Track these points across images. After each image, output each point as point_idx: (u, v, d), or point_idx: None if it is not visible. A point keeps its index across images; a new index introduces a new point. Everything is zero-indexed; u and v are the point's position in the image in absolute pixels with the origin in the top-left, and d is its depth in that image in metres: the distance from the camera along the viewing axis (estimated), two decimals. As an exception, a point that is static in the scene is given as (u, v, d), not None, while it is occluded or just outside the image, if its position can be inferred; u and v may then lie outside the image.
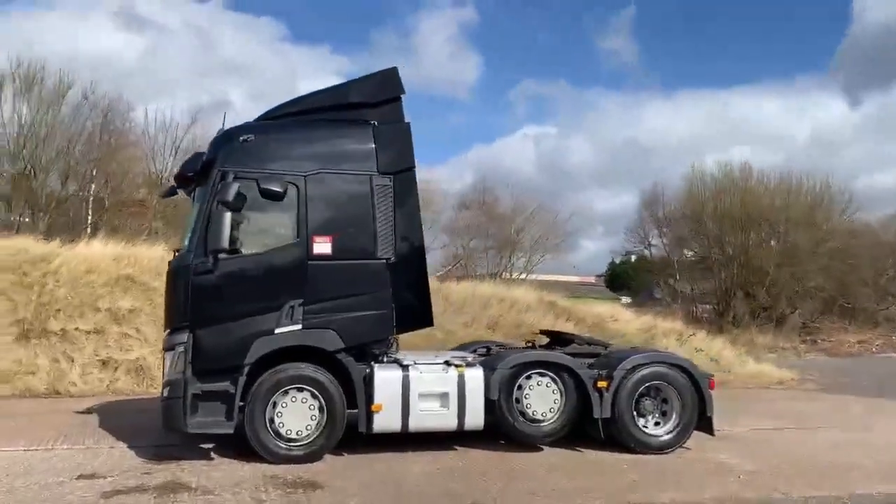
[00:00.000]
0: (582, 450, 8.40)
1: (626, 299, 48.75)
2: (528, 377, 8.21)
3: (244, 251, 7.53)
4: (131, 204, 22.05)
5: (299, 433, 7.50)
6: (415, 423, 7.81)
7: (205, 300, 7.41)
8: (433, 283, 21.00)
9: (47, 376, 13.19)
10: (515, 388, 8.16)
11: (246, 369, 7.38)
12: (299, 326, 7.54)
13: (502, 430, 8.26)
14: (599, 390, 8.22)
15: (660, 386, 8.50)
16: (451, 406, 7.89)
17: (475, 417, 7.97)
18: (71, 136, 24.05)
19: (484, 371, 8.09)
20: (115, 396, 12.68)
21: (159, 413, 7.66)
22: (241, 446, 7.62)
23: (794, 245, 34.65)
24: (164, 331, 8.01)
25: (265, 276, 7.56)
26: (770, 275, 33.52)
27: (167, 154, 25.60)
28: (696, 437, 8.67)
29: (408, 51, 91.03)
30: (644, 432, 8.37)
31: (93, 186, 24.30)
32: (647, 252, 44.11)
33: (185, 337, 7.39)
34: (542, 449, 8.36)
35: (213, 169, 7.57)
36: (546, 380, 8.23)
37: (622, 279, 56.21)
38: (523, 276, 35.28)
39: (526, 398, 8.16)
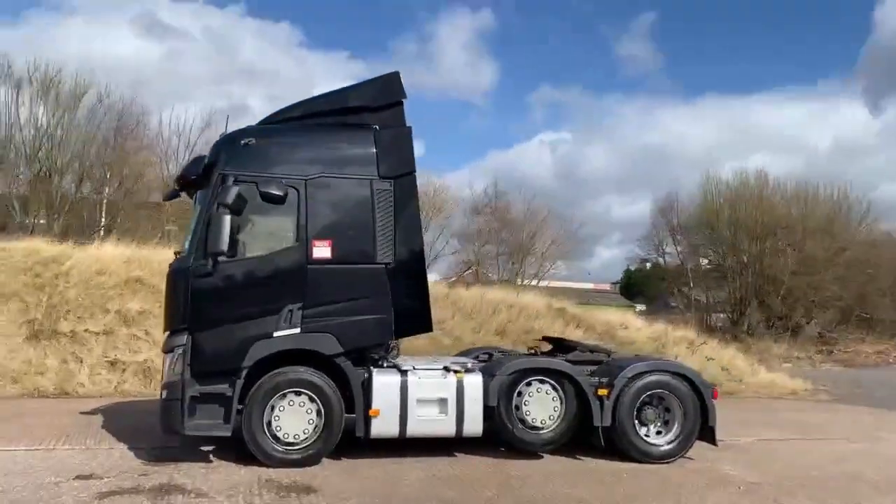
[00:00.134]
0: (582, 458, 8.32)
1: (640, 307, 48.50)
2: (528, 384, 8.16)
3: (244, 254, 7.56)
4: (144, 206, 22.27)
5: (296, 437, 7.50)
6: (413, 429, 7.77)
7: (204, 303, 7.43)
8: (442, 288, 21.18)
9: (56, 377, 13.29)
10: (515, 394, 8.11)
11: (244, 372, 7.38)
12: (298, 330, 7.54)
13: (502, 437, 8.21)
14: (600, 398, 8.15)
15: (662, 395, 8.41)
16: (449, 412, 7.85)
17: (474, 424, 7.92)
18: (86, 139, 24.34)
19: (483, 377, 8.05)
20: (122, 398, 12.76)
21: (157, 414, 7.67)
22: (241, 449, 7.61)
23: (810, 254, 34.27)
24: (164, 333, 8.03)
25: (264, 280, 7.57)
26: (785, 284, 33.17)
27: (181, 157, 25.84)
28: (700, 447, 8.57)
29: (425, 56, 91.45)
30: (645, 441, 8.28)
31: (107, 189, 24.57)
32: (660, 260, 43.83)
33: (183, 339, 7.41)
34: (542, 457, 8.29)
35: (214, 172, 7.60)
36: (546, 387, 8.17)
37: (637, 287, 55.89)
38: (536, 282, 35.14)
39: (525, 405, 8.11)
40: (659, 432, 8.41)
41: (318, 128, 8.11)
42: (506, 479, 7.38)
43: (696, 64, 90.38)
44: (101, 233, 21.88)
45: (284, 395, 7.53)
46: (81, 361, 13.72)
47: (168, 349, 7.64)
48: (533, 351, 9.55)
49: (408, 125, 8.19)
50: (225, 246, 7.20)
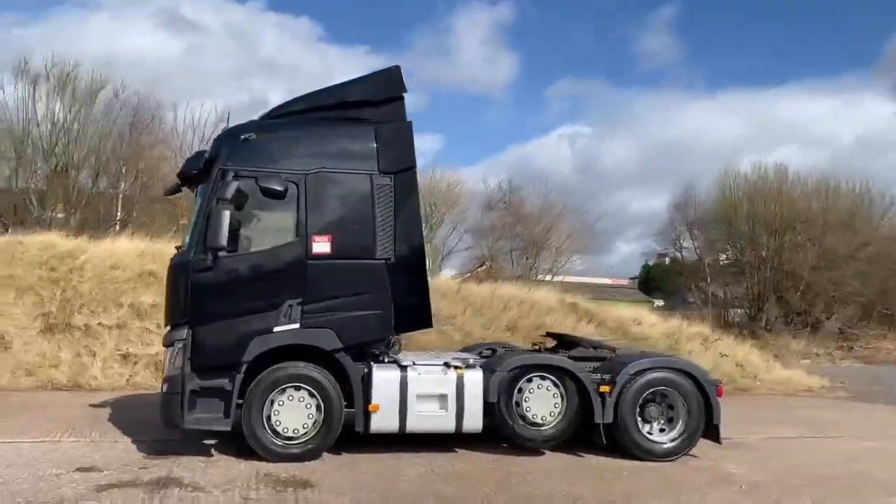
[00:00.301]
0: (584, 455, 8.26)
1: (659, 302, 48.11)
2: (529, 380, 8.11)
3: (243, 249, 7.57)
4: (160, 201, 22.43)
5: (296, 431, 7.51)
6: (412, 425, 7.75)
7: (204, 297, 7.46)
8: (453, 284, 21.12)
9: (69, 370, 13.48)
10: (515, 391, 8.06)
11: (244, 367, 7.40)
12: (297, 325, 7.54)
13: (502, 433, 8.17)
14: (602, 395, 8.08)
15: (665, 392, 8.31)
16: (449, 408, 7.82)
17: (473, 420, 7.88)
18: (102, 134, 24.60)
19: (483, 373, 8.01)
20: (133, 390, 12.89)
21: (158, 408, 7.73)
22: (242, 444, 7.64)
23: (831, 248, 33.77)
24: (165, 327, 8.08)
25: (264, 275, 7.57)
26: (805, 279, 32.73)
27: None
28: (706, 445, 8.47)
29: (443, 50, 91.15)
30: (648, 439, 8.19)
31: (122, 183, 24.82)
32: (677, 255, 43.45)
33: (184, 333, 7.45)
34: (543, 453, 8.23)
35: (215, 167, 7.61)
36: (547, 383, 8.12)
37: (655, 282, 55.47)
38: (551, 277, 34.96)
39: (526, 401, 8.06)
40: (662, 430, 8.31)
41: (318, 122, 8.09)
42: (505, 475, 7.35)
43: (716, 57, 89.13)
44: (117, 227, 22.07)
45: (284, 390, 7.53)
46: (94, 355, 13.90)
47: (168, 343, 7.69)
48: (537, 347, 9.51)
49: (408, 119, 8.14)
50: (224, 241, 7.21)
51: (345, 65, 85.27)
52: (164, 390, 7.56)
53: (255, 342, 7.42)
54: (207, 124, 26.09)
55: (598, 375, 8.23)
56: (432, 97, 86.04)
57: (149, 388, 13.05)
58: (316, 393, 7.57)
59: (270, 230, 7.90)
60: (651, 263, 56.41)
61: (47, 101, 23.61)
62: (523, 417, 8.06)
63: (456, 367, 7.96)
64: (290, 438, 7.50)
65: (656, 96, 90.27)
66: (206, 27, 69.72)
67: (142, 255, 15.87)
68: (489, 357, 8.79)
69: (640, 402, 8.21)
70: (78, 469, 6.91)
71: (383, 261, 7.78)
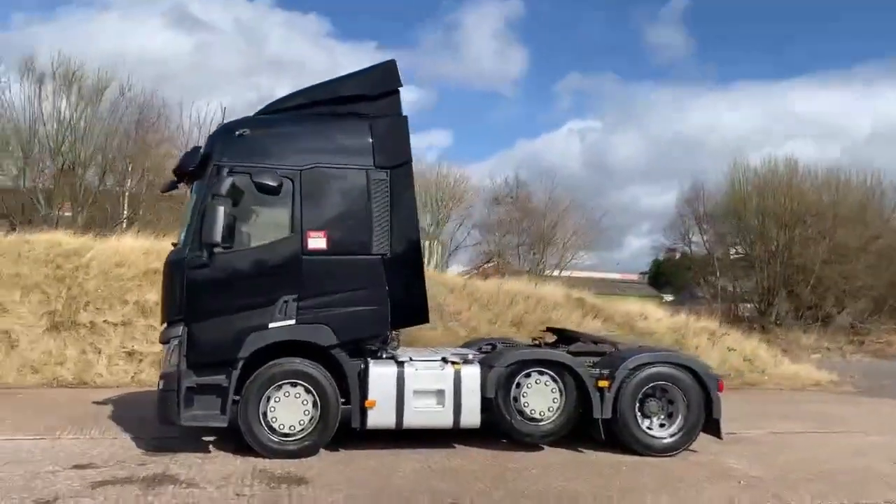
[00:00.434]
0: (583, 451, 8.21)
1: (669, 297, 47.90)
2: (527, 375, 8.06)
3: (239, 245, 7.55)
4: (166, 198, 22.50)
5: (292, 428, 7.50)
6: (409, 421, 7.73)
7: (199, 294, 7.45)
8: (459, 279, 21.08)
9: (75, 367, 13.55)
10: (513, 386, 8.02)
11: (240, 363, 7.40)
12: (293, 321, 7.53)
13: (501, 428, 8.12)
14: (600, 390, 8.03)
15: (665, 386, 8.25)
16: (446, 404, 7.79)
17: (471, 415, 7.85)
18: (108, 132, 24.70)
19: (481, 368, 7.97)
20: (138, 388, 12.92)
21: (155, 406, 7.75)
22: (240, 440, 7.62)
23: (842, 242, 33.44)
24: (162, 324, 8.09)
25: (259, 271, 7.57)
26: (815, 273, 32.44)
27: (201, 149, 25.90)
28: (707, 440, 8.41)
29: (452, 46, 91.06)
30: (647, 434, 8.13)
31: (129, 181, 24.93)
32: (686, 249, 43.20)
33: (179, 330, 7.45)
34: (542, 449, 8.20)
35: (210, 163, 7.61)
36: (545, 378, 8.06)
37: (665, 277, 55.18)
38: (558, 272, 34.83)
39: (524, 396, 8.01)
40: (662, 425, 8.25)
41: (313, 118, 8.06)
42: (501, 471, 7.31)
43: (728, 50, 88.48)
44: (124, 225, 22.18)
45: (280, 387, 7.53)
46: (100, 352, 13.96)
47: (165, 340, 7.70)
48: (537, 342, 9.45)
49: (404, 114, 8.10)
50: (219, 237, 7.20)
51: (353, 61, 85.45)
52: (161, 387, 7.56)
53: (250, 338, 7.41)
54: (213, 122, 26.15)
55: (597, 370, 8.17)
56: (441, 93, 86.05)
57: (153, 385, 12.88)
58: (312, 389, 7.55)
59: (266, 226, 7.87)
60: (661, 258, 56.06)
61: (53, 100, 23.79)
62: (521, 413, 8.01)
63: (453, 363, 7.93)
64: (286, 435, 7.49)
65: (667, 90, 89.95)
66: (215, 25, 70.03)
67: (147, 253, 15.90)
68: (489, 352, 8.75)
69: (640, 396, 8.15)
70: (75, 466, 6.93)
71: (379, 256, 7.75)
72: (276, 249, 7.64)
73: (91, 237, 16.76)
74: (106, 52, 45.32)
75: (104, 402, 10.87)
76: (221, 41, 66.00)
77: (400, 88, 8.14)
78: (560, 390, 8.07)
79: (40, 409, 10.35)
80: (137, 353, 14.05)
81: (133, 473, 6.74)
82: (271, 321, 7.49)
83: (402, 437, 8.00)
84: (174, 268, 7.70)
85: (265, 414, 7.48)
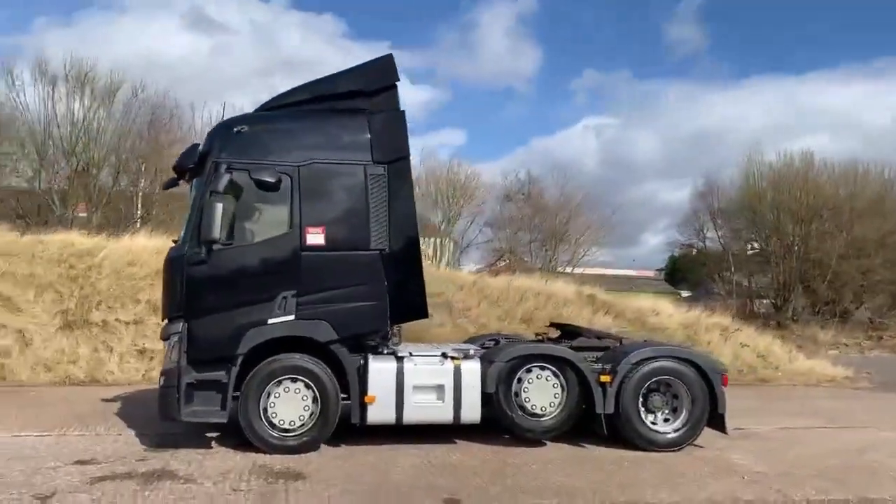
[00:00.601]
0: (586, 446, 8.15)
1: (685, 293, 47.51)
2: (528, 370, 8.02)
3: (237, 242, 7.56)
4: (179, 198, 22.64)
5: (292, 423, 7.51)
6: (409, 416, 7.71)
7: (198, 290, 7.48)
8: (469, 276, 21.03)
9: (87, 365, 13.68)
10: (514, 381, 7.98)
11: (239, 359, 7.42)
12: (292, 317, 7.53)
13: (502, 424, 8.08)
14: (602, 385, 7.96)
15: (669, 381, 8.18)
16: (446, 399, 7.76)
17: (471, 411, 7.82)
18: (121, 133, 24.94)
19: (482, 364, 7.94)
20: (148, 385, 12.97)
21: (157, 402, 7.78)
22: (243, 436, 7.63)
23: (859, 236, 32.95)
24: (162, 321, 8.13)
25: (258, 267, 7.58)
26: (832, 268, 31.99)
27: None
28: (714, 435, 8.32)
29: (467, 44, 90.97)
30: (650, 429, 8.06)
31: (142, 181, 25.13)
32: (700, 245, 42.85)
33: (179, 327, 7.48)
34: (544, 444, 8.14)
35: (208, 160, 7.63)
36: (547, 373, 8.02)
37: (681, 273, 54.77)
38: (576, 269, 34.62)
39: (525, 392, 7.97)
40: (666, 420, 8.17)
41: (311, 113, 8.06)
42: (501, 466, 7.26)
43: (745, 44, 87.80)
44: (137, 224, 22.37)
45: (280, 382, 7.54)
46: (111, 350, 14.09)
47: (165, 337, 7.74)
48: (540, 337, 9.40)
49: (401, 108, 8.07)
50: (217, 233, 7.22)
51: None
52: (161, 384, 7.60)
53: (249, 334, 7.43)
54: (222, 121, 26.19)
55: (599, 365, 8.11)
56: (455, 92, 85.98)
57: (163, 382, 13.19)
58: (312, 385, 7.56)
59: (264, 222, 7.87)
60: (676, 254, 55.65)
61: (67, 101, 24.04)
62: (522, 408, 7.97)
63: (453, 358, 7.90)
64: (286, 430, 7.51)
65: (684, 86, 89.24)
66: (230, 26, 70.60)
67: (159, 253, 15.85)
68: (491, 348, 8.71)
69: (643, 391, 8.08)
70: (77, 462, 6.98)
71: (378, 251, 7.73)
72: (275, 245, 7.65)
73: (104, 237, 16.91)
74: (125, 54, 45.92)
75: (113, 400, 10.97)
76: (237, 42, 66.56)
77: (397, 83, 8.12)
78: (562, 385, 8.01)
79: (49, 406, 10.46)
80: (148, 351, 14.15)
81: (133, 469, 6.78)
82: (270, 317, 7.50)
83: (403, 432, 7.98)
84: (174, 264, 7.74)
85: (265, 410, 7.49)
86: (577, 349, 8.35)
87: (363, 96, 8.01)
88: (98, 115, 24.11)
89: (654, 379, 8.11)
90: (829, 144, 66.19)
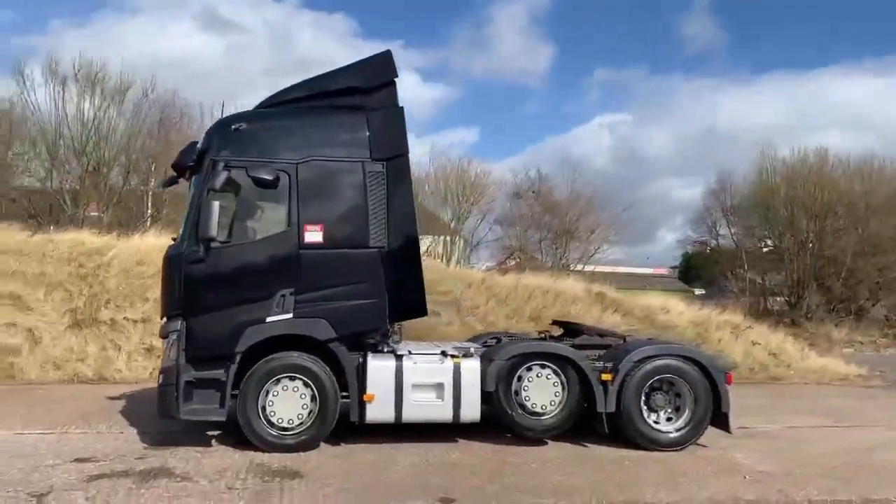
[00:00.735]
0: (588, 445, 8.06)
1: (699, 291, 47.12)
2: (529, 369, 7.95)
3: (236, 240, 7.54)
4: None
5: (291, 422, 7.49)
6: (408, 414, 7.66)
7: (197, 289, 7.48)
8: (477, 274, 20.95)
9: (95, 363, 13.78)
10: (515, 379, 7.92)
11: (238, 357, 7.41)
12: (290, 315, 7.51)
13: (503, 422, 8.02)
14: (604, 383, 7.88)
15: (672, 379, 8.07)
16: (445, 397, 7.71)
17: (471, 409, 7.76)
18: (131, 133, 25.10)
19: (481, 362, 7.88)
20: (155, 383, 12.98)
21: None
22: (242, 434, 7.63)
23: (875, 233, 32.51)
24: (161, 319, 8.14)
25: (256, 265, 7.56)
26: (847, 265, 31.59)
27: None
28: (719, 434, 8.21)
29: (480, 42, 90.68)
30: (653, 428, 7.96)
31: (152, 181, 25.25)
32: (713, 242, 42.50)
33: (178, 325, 7.48)
34: (546, 443, 8.07)
35: (206, 157, 7.62)
36: (547, 371, 7.95)
37: (695, 271, 54.31)
38: (589, 267, 34.40)
39: (525, 390, 7.90)
40: (669, 419, 8.07)
41: (309, 111, 8.03)
42: (500, 465, 7.20)
43: (761, 40, 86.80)
44: (148, 223, 22.50)
45: (279, 380, 7.52)
46: (120, 348, 14.18)
47: (164, 335, 7.74)
48: (542, 335, 9.32)
49: (400, 105, 8.02)
50: (215, 231, 7.22)
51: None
52: (160, 382, 7.61)
53: (248, 333, 7.41)
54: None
55: (601, 363, 8.02)
56: (468, 90, 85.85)
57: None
58: (311, 383, 7.54)
59: (263, 220, 7.87)
60: (690, 252, 55.21)
61: (78, 101, 24.20)
62: (523, 406, 7.91)
63: (452, 356, 7.84)
64: (285, 429, 7.49)
65: (699, 82, 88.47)
66: (243, 26, 70.85)
67: (168, 251, 16.05)
68: (492, 346, 8.65)
69: (646, 390, 7.99)
70: (76, 460, 7.00)
71: (377, 249, 7.69)
72: (273, 243, 7.63)
73: (114, 236, 17.01)
74: (138, 55, 46.21)
75: (118, 398, 11.01)
76: (249, 42, 66.83)
77: (396, 79, 8.06)
78: (562, 384, 7.94)
79: (55, 404, 10.51)
80: (156, 350, 14.13)
81: (131, 467, 6.78)
82: (269, 315, 7.48)
83: (405, 430, 7.94)
84: (172, 262, 7.74)
85: (264, 408, 7.48)
86: (579, 347, 8.27)
87: (362, 93, 7.97)
88: (108, 114, 24.30)
89: (657, 377, 8.01)
90: (845, 141, 65.43)
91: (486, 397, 7.86)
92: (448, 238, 30.31)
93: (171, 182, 8.66)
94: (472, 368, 7.79)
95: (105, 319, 14.53)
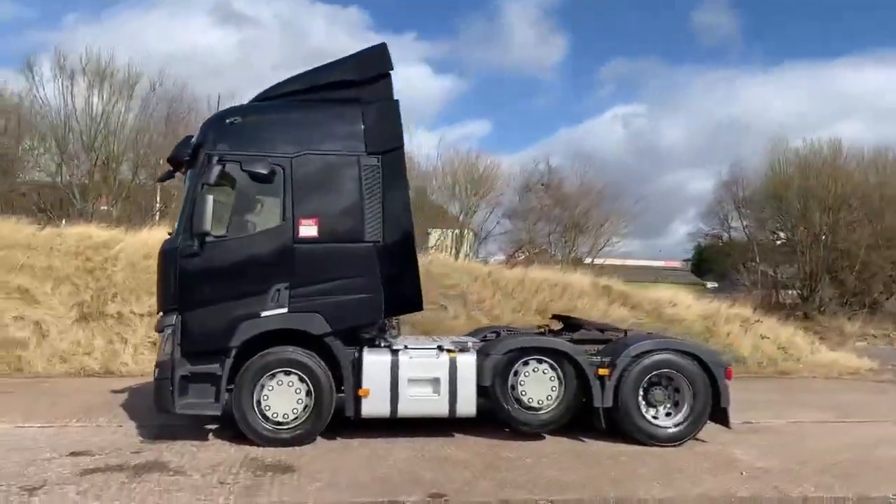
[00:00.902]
0: (586, 440, 8.01)
1: (712, 284, 46.77)
2: (525, 363, 7.90)
3: (231, 234, 7.53)
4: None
5: (286, 416, 7.49)
6: (404, 409, 7.64)
7: (191, 283, 7.47)
8: (483, 267, 20.88)
9: (101, 356, 13.83)
10: (511, 374, 7.87)
11: (233, 352, 7.40)
12: (285, 310, 7.50)
13: (499, 417, 7.98)
14: (601, 378, 7.82)
15: (671, 374, 8.00)
16: (441, 392, 7.67)
17: (467, 404, 7.72)
18: (139, 128, 25.17)
19: (477, 356, 7.83)
20: (157, 377, 13.11)
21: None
22: (238, 428, 7.65)
23: (889, 226, 32.05)
24: (157, 313, 8.15)
25: (251, 259, 7.54)
26: (861, 258, 31.17)
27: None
28: (719, 430, 8.14)
29: (493, 35, 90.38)
30: (651, 423, 7.90)
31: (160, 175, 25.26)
32: (725, 235, 42.11)
33: (173, 319, 7.49)
34: (543, 438, 8.02)
35: (201, 152, 7.61)
36: (544, 366, 7.89)
37: (707, 264, 53.90)
38: (594, 260, 34.21)
39: (521, 385, 7.85)
40: (668, 414, 8.01)
41: (304, 104, 7.98)
42: (494, 460, 7.16)
43: (776, 29, 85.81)
44: (157, 218, 22.57)
45: (274, 375, 7.52)
46: (126, 342, 14.24)
47: (160, 329, 7.76)
48: (542, 330, 9.26)
49: (395, 98, 7.96)
50: (209, 226, 7.21)
51: (393, 52, 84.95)
52: (156, 376, 7.62)
53: (243, 327, 7.41)
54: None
55: (598, 358, 7.96)
56: (481, 83, 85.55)
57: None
58: (306, 378, 7.53)
59: (257, 214, 7.85)
60: (702, 244, 54.77)
61: (87, 96, 24.27)
62: (519, 401, 7.86)
63: (448, 351, 7.80)
64: (280, 423, 7.49)
65: (714, 73, 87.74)
66: (256, 20, 70.97)
67: (174, 245, 16.10)
68: (489, 340, 8.60)
69: (644, 385, 7.92)
70: (72, 453, 7.04)
71: (372, 243, 7.66)
72: (268, 237, 7.60)
73: (121, 230, 17.08)
74: (152, 50, 46.39)
75: (122, 391, 11.06)
76: (262, 36, 66.97)
77: (391, 71, 8.00)
78: (559, 378, 7.88)
79: (62, 397, 10.58)
80: (162, 344, 14.29)
81: (126, 461, 6.81)
82: (264, 310, 7.47)
83: (401, 425, 7.91)
84: (167, 257, 7.74)
85: (259, 402, 7.48)
86: (577, 342, 8.21)
87: (357, 86, 7.91)
88: (117, 108, 24.39)
89: (655, 372, 7.94)
90: (862, 131, 64.53)
91: (484, 392, 7.82)
92: (457, 231, 30.21)
93: (168, 176, 8.67)
94: (467, 363, 7.75)
95: (112, 313, 14.60)
